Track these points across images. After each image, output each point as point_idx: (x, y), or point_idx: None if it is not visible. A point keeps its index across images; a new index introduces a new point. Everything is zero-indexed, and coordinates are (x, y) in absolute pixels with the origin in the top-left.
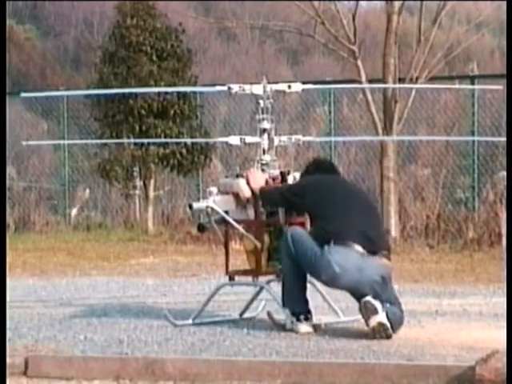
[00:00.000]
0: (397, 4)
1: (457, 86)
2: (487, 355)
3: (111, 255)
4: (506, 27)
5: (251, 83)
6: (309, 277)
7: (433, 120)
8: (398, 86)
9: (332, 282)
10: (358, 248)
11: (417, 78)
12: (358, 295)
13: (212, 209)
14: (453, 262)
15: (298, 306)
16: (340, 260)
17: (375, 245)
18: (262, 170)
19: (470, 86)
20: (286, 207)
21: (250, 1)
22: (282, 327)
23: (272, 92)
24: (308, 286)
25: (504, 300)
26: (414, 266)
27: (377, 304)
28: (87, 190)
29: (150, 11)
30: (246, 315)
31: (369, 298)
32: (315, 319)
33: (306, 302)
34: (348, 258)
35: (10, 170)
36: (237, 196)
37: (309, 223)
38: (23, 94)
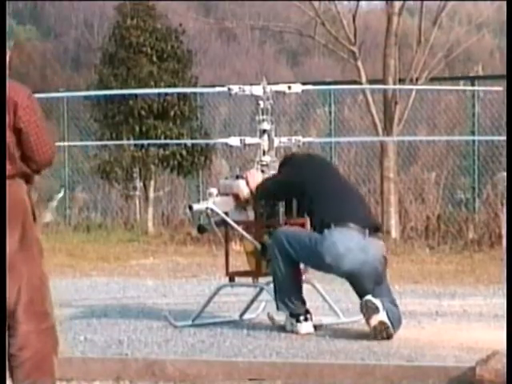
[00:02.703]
0: (397, 5)
1: (457, 87)
2: (487, 356)
3: (111, 256)
4: (506, 28)
5: (251, 84)
6: (305, 278)
7: (433, 121)
8: (398, 86)
9: (336, 263)
10: (359, 229)
11: (417, 79)
12: (359, 278)
13: (212, 210)
14: (453, 263)
15: (296, 307)
16: (344, 241)
17: (373, 225)
18: (262, 171)
19: (470, 88)
20: (284, 193)
21: (250, 1)
22: (282, 328)
23: (272, 93)
24: (308, 286)
25: (504, 301)
26: (414, 267)
27: (378, 303)
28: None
29: (150, 12)
30: (246, 316)
31: (369, 297)
32: (315, 320)
33: (304, 302)
34: (351, 238)
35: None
36: (237, 197)
37: (309, 222)
38: None
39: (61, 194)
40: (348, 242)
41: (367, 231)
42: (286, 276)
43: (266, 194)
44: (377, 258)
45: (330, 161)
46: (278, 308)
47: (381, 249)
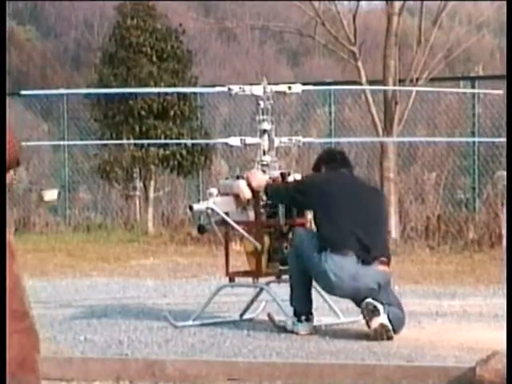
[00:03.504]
0: (397, 5)
1: (457, 90)
2: (487, 356)
3: (111, 256)
4: (506, 28)
5: (251, 84)
6: None
7: (433, 121)
8: (398, 88)
9: (329, 290)
10: (354, 256)
11: (417, 79)
12: (355, 301)
13: (212, 210)
14: (453, 263)
15: (301, 305)
16: (335, 269)
17: (370, 254)
18: (263, 171)
19: (471, 90)
20: (290, 204)
21: (250, 1)
22: (282, 329)
23: (272, 93)
24: None
25: (504, 301)
26: (415, 267)
27: (378, 305)
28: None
29: (150, 12)
30: (246, 316)
31: (370, 300)
32: (315, 320)
33: (311, 302)
34: (343, 266)
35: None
36: (237, 197)
37: (312, 224)
38: (23, 92)
39: (55, 195)
40: (339, 270)
41: (362, 258)
42: (297, 274)
43: (274, 197)
44: (369, 286)
45: (357, 178)
46: (291, 304)
47: (376, 275)
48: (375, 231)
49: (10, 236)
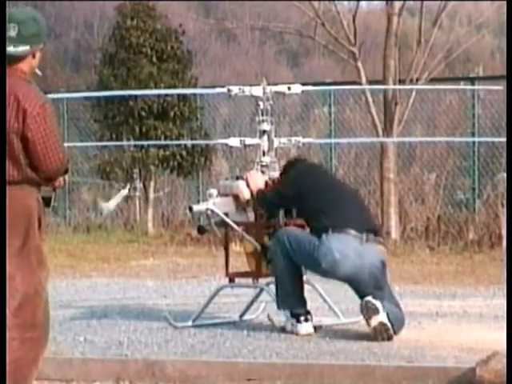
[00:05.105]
0: (397, 5)
1: (456, 87)
2: (487, 357)
3: (111, 257)
4: (506, 28)
5: (251, 85)
6: (306, 278)
7: (433, 121)
8: (398, 87)
9: (332, 269)
10: (357, 234)
11: (417, 80)
12: (357, 283)
13: (212, 211)
14: (453, 264)
15: (297, 306)
16: (340, 247)
17: (371, 233)
18: (262, 172)
19: (470, 87)
20: (280, 203)
21: (250, 1)
22: (282, 329)
23: (272, 94)
24: (308, 287)
25: (504, 301)
26: (415, 268)
27: (378, 304)
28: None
29: (150, 12)
30: (246, 317)
31: (369, 298)
32: (315, 321)
33: (305, 302)
34: (348, 244)
35: None
36: (237, 198)
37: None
38: None
39: (125, 192)
40: (344, 248)
41: (365, 236)
42: (287, 275)
43: (264, 203)
44: (374, 264)
45: (329, 169)
46: (278, 307)
47: (379, 254)
48: (369, 213)
49: (41, 242)
